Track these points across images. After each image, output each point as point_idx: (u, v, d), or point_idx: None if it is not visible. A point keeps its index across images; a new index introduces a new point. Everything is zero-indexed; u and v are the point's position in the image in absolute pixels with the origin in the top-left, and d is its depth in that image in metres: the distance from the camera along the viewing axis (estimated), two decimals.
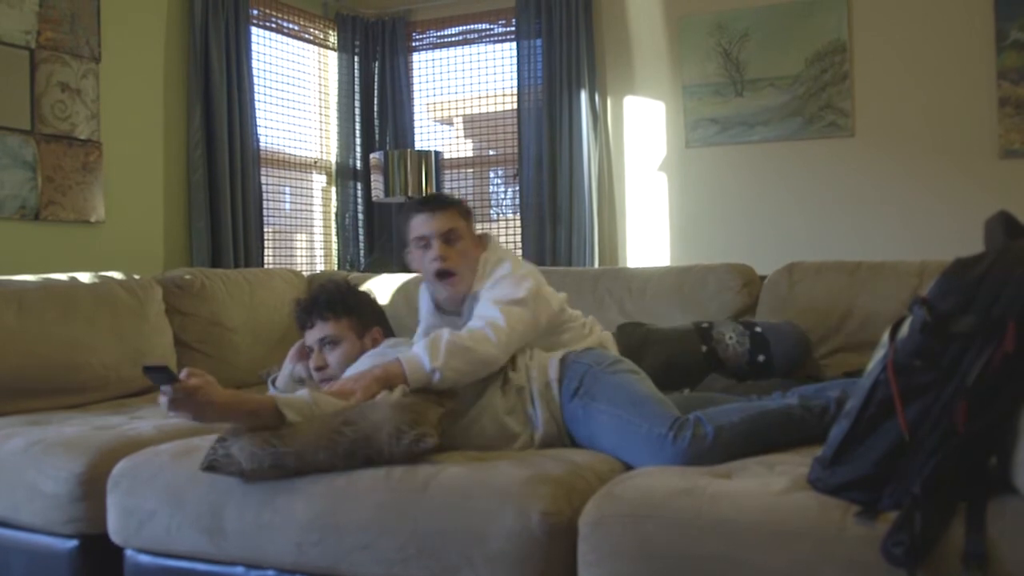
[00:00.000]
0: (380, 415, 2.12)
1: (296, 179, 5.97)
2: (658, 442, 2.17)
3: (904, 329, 1.67)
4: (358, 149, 6.22)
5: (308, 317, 2.78)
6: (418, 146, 6.29)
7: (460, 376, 2.38)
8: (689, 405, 2.35)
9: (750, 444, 2.16)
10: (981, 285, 1.60)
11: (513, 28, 5.93)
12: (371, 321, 2.82)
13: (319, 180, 6.14)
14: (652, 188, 5.62)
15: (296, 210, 5.99)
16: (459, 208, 2.77)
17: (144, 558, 2.37)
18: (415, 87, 6.37)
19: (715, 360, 2.83)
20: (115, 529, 2.38)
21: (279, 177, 5.78)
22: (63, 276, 3.36)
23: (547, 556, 1.92)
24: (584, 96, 5.59)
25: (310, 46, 6.08)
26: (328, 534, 2.10)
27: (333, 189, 6.15)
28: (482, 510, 1.98)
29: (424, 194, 2.83)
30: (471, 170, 6.47)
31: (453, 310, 2.75)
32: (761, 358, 2.82)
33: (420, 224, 2.72)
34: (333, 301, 2.77)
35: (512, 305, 2.54)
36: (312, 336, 2.76)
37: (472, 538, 1.97)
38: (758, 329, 2.88)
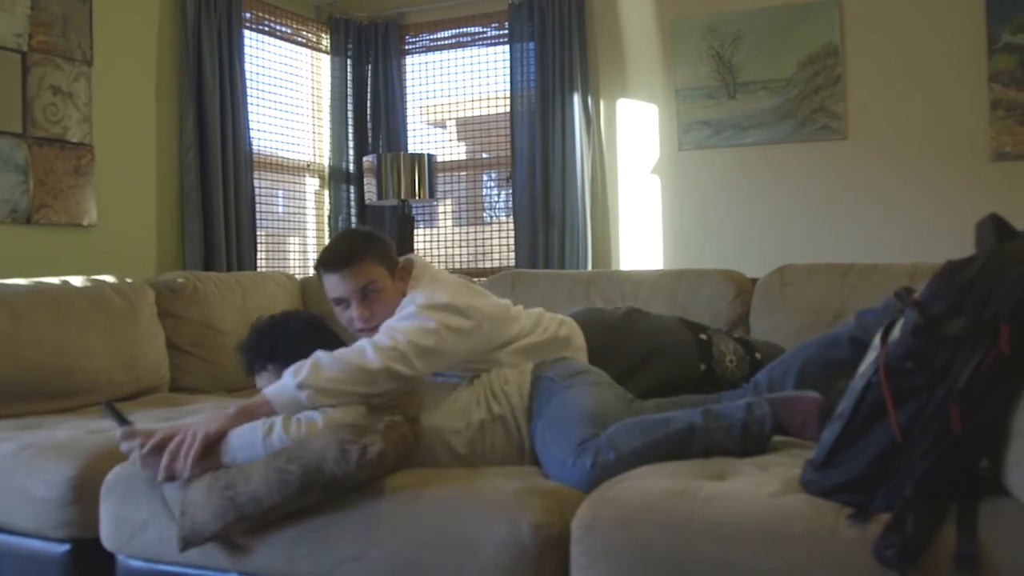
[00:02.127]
0: (321, 441, 2.06)
1: (289, 182, 5.96)
2: (561, 466, 2.16)
3: (896, 331, 1.68)
4: (351, 152, 6.22)
5: (251, 367, 2.52)
6: (411, 149, 6.28)
7: (335, 386, 2.20)
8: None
9: (647, 462, 2.12)
10: (972, 287, 1.60)
11: (506, 31, 5.93)
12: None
13: (312, 183, 6.14)
14: (645, 191, 5.62)
15: (289, 213, 5.99)
16: (372, 253, 2.57)
17: (136, 563, 2.36)
18: (408, 90, 6.37)
19: (712, 378, 2.78)
20: (107, 537, 2.37)
21: (272, 180, 5.77)
22: (55, 280, 3.36)
23: (538, 568, 1.92)
24: (577, 99, 5.60)
25: (303, 49, 6.08)
26: (319, 546, 2.10)
27: (326, 192, 6.14)
28: (473, 522, 1.98)
29: (332, 243, 2.60)
30: (464, 173, 6.47)
31: None
32: None
33: (334, 287, 2.56)
34: (253, 355, 2.49)
35: (401, 321, 2.39)
36: (260, 383, 2.49)
37: (463, 550, 1.97)
38: (758, 356, 2.83)
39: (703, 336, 2.86)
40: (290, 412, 2.20)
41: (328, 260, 2.58)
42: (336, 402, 2.20)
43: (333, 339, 2.48)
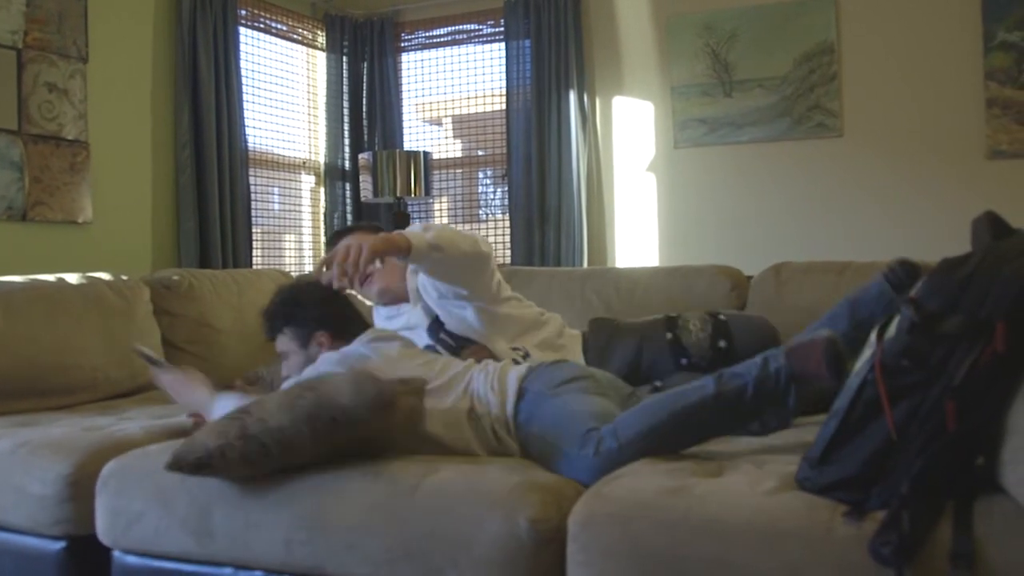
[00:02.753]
0: (341, 378, 2.13)
1: (285, 179, 5.96)
2: (567, 459, 2.17)
3: (891, 329, 1.68)
4: (347, 149, 6.22)
5: (271, 329, 2.77)
6: (407, 146, 6.28)
7: (450, 242, 2.57)
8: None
9: (655, 450, 2.10)
10: (968, 285, 1.60)
11: (502, 28, 5.93)
12: (313, 327, 2.70)
13: (308, 180, 6.13)
14: (641, 188, 5.62)
15: (284, 210, 5.99)
16: (366, 229, 3.04)
17: (132, 559, 2.36)
18: (404, 87, 6.37)
19: (679, 347, 2.82)
20: (103, 530, 2.37)
21: (267, 178, 5.77)
22: (50, 277, 3.35)
23: (534, 562, 1.91)
24: (573, 96, 5.60)
25: (298, 46, 6.07)
26: (316, 532, 2.10)
27: (322, 190, 6.14)
28: (470, 515, 1.98)
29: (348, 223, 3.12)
30: (460, 170, 6.47)
31: (393, 302, 3.06)
32: (722, 343, 2.79)
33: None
34: (271, 319, 2.75)
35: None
36: (279, 346, 2.77)
37: (459, 542, 1.97)
38: (722, 317, 2.88)
39: (673, 315, 2.95)
40: (419, 249, 2.48)
41: (334, 233, 3.18)
42: (447, 250, 2.55)
43: (350, 308, 2.76)
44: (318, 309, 2.68)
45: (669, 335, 2.85)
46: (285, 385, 2.42)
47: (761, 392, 2.11)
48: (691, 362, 2.80)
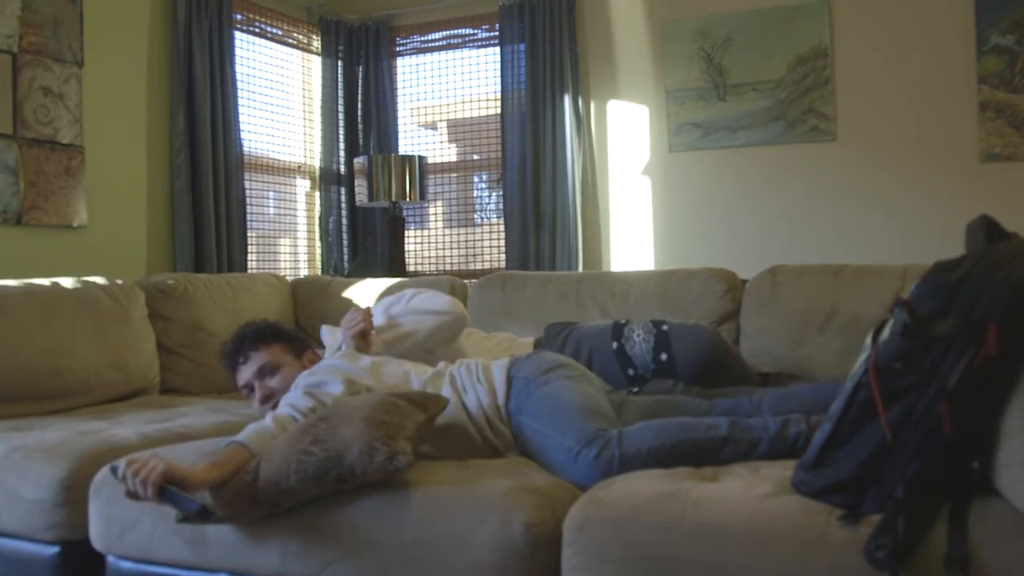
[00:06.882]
0: (351, 431, 2.04)
1: (280, 183, 5.95)
2: (569, 455, 2.17)
3: (886, 332, 1.68)
4: (342, 153, 6.21)
5: (238, 354, 2.79)
6: (402, 150, 6.28)
7: (407, 336, 2.85)
8: (658, 411, 2.37)
9: (659, 465, 2.11)
10: (962, 288, 1.60)
11: (497, 33, 5.93)
12: (303, 344, 2.88)
13: (303, 185, 6.13)
14: (635, 192, 5.63)
15: (280, 215, 5.98)
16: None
17: (126, 564, 2.36)
18: (399, 91, 6.37)
19: (624, 357, 2.88)
20: (97, 536, 2.37)
21: (263, 182, 5.77)
22: (45, 281, 3.35)
23: (530, 566, 1.92)
24: (568, 100, 5.60)
25: (294, 51, 6.07)
26: (311, 542, 2.09)
27: (317, 194, 6.13)
28: (465, 520, 1.98)
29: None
30: (455, 175, 6.47)
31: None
32: (664, 356, 2.83)
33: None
34: (260, 331, 2.83)
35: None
36: (247, 371, 2.77)
37: (455, 547, 1.97)
38: (664, 327, 2.91)
39: (621, 320, 3.01)
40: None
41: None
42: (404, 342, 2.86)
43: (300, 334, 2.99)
44: (300, 335, 3.00)
45: (615, 344, 2.90)
46: (288, 400, 2.42)
47: (774, 450, 2.15)
48: (636, 373, 2.85)
